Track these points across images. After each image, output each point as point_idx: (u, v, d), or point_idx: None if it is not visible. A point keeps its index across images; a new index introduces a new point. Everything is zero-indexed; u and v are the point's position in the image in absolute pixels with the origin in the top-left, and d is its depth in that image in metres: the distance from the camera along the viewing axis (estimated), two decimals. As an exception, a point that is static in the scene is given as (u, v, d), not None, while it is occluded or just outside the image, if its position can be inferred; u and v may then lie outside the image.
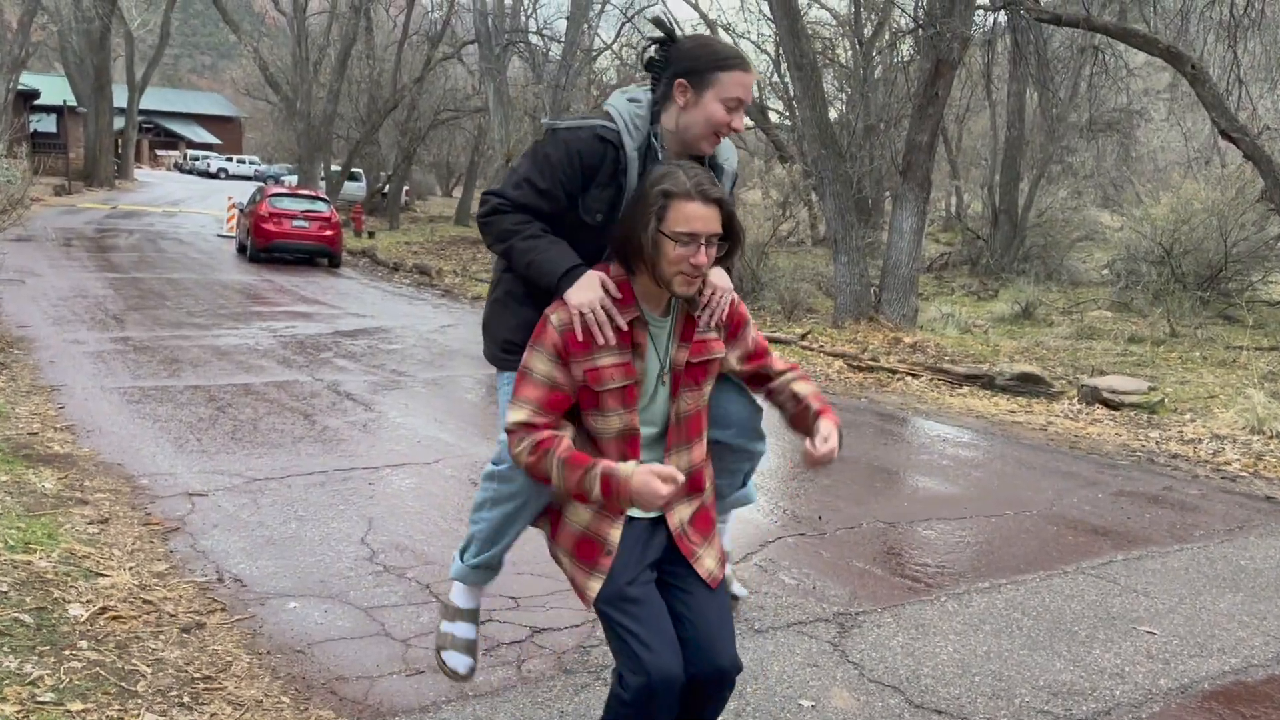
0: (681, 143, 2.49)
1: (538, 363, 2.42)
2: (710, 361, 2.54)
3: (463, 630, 2.85)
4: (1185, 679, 3.75)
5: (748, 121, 31.61)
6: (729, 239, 2.40)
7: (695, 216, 2.30)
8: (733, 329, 2.60)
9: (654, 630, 2.37)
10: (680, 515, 2.55)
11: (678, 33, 2.55)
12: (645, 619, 2.38)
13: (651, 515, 2.52)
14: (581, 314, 2.36)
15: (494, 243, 2.54)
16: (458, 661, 2.83)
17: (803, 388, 2.65)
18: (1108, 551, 5.23)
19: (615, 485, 2.31)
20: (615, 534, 2.45)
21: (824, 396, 2.64)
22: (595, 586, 2.42)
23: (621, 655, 2.38)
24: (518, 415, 2.42)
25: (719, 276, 2.52)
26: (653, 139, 2.47)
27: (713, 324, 2.52)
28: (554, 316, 2.40)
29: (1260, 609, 4.51)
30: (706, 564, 2.54)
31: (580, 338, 2.37)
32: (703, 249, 2.32)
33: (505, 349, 2.63)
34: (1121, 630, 4.17)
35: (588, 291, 2.38)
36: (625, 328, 2.40)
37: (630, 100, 2.51)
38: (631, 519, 2.50)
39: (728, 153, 2.64)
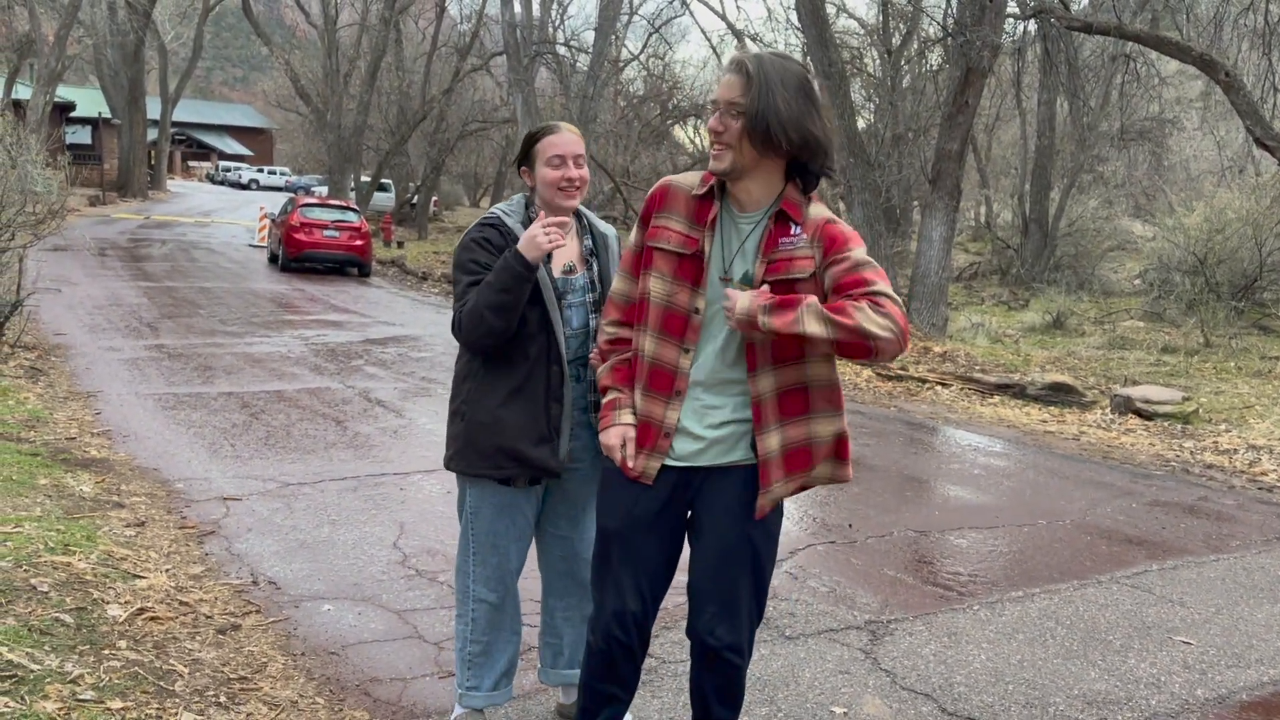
0: (549, 208, 2.93)
1: (635, 232, 2.61)
2: (797, 281, 2.37)
3: None
4: (1223, 689, 3.71)
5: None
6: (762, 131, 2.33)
7: (729, 83, 2.38)
8: (827, 248, 2.38)
9: (629, 572, 2.53)
10: (769, 445, 2.44)
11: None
12: (624, 560, 2.53)
13: (688, 464, 2.49)
14: (546, 232, 2.70)
15: (474, 325, 2.79)
16: None
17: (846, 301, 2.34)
18: (1142, 561, 5.18)
19: (604, 415, 2.59)
20: (673, 415, 2.49)
21: (845, 307, 2.29)
22: (655, 467, 2.50)
23: (594, 584, 2.62)
24: (615, 284, 2.65)
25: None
26: (530, 214, 2.95)
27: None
28: (652, 189, 2.59)
29: (1299, 620, 4.44)
30: (773, 493, 2.46)
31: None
32: (717, 114, 2.40)
33: (498, 454, 2.88)
34: (1157, 640, 4.13)
35: (529, 231, 2.75)
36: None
37: (505, 203, 3.03)
38: (667, 467, 2.51)
39: (603, 225, 3.11)
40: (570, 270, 2.92)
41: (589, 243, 3.01)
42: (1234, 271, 15.63)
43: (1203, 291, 15.23)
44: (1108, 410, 9.38)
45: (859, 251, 2.38)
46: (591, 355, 2.79)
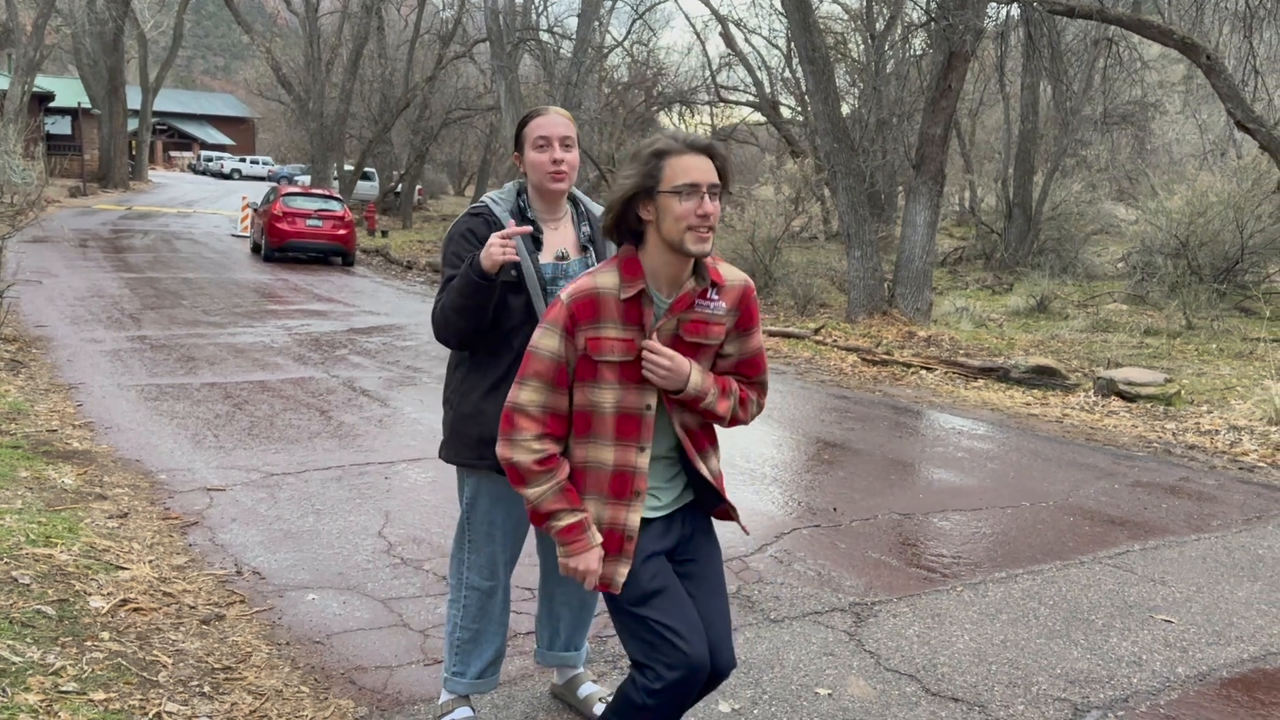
0: (539, 192, 2.91)
1: (544, 339, 2.41)
2: (704, 345, 2.48)
3: (462, 713, 3.05)
4: (1203, 667, 3.74)
5: (759, 117, 31.54)
6: (725, 185, 2.40)
7: (692, 168, 2.30)
8: (742, 319, 2.53)
9: (684, 620, 2.38)
10: (711, 467, 2.57)
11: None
12: (673, 611, 2.39)
13: (665, 513, 2.53)
14: (502, 245, 2.63)
15: (443, 327, 2.80)
16: None
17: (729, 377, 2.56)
18: (1124, 541, 5.21)
19: (574, 540, 2.39)
20: (635, 518, 2.45)
21: (730, 387, 2.51)
22: (624, 571, 2.42)
23: (653, 649, 2.35)
24: (525, 397, 2.41)
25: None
26: (521, 202, 2.92)
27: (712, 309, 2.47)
28: (565, 294, 2.41)
29: (1278, 597, 4.48)
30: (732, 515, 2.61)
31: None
32: (706, 199, 2.31)
33: (485, 444, 2.86)
34: (1139, 619, 4.16)
35: (492, 238, 2.68)
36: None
37: (498, 190, 3.00)
38: (647, 520, 2.50)
39: (592, 206, 3.06)
40: (563, 257, 2.89)
41: (586, 229, 2.97)
42: (1216, 254, 15.72)
43: (1185, 274, 15.32)
44: (1091, 393, 9.43)
45: (759, 328, 2.60)
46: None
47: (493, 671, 3.06)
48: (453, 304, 2.73)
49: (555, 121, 2.84)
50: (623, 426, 2.43)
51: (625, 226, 2.40)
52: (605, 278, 2.40)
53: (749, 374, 2.58)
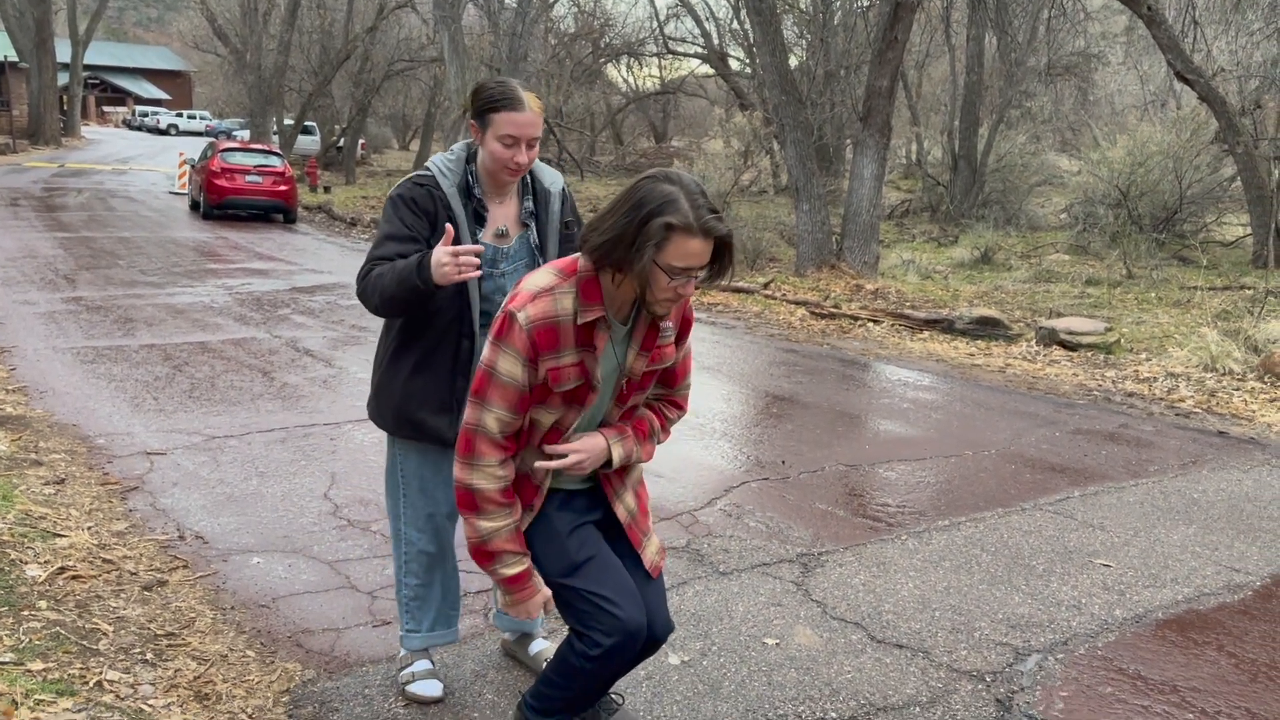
0: (490, 176, 2.78)
1: (505, 364, 2.30)
2: (661, 369, 2.49)
3: (421, 666, 3.03)
4: (1140, 609, 3.84)
5: (708, 70, 31.30)
6: (717, 265, 2.27)
7: (694, 253, 2.18)
8: (681, 332, 2.52)
9: (617, 587, 2.37)
10: (627, 505, 2.54)
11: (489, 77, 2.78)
12: (604, 579, 2.38)
13: (592, 484, 2.52)
14: (458, 267, 2.50)
15: (370, 296, 2.70)
16: (429, 687, 2.98)
17: (645, 413, 2.54)
18: (1065, 488, 5.33)
19: (520, 589, 2.39)
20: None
21: (647, 422, 2.53)
22: (528, 519, 2.43)
23: (589, 618, 2.35)
24: (489, 423, 2.32)
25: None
26: (469, 177, 2.79)
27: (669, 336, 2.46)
28: (520, 314, 2.27)
29: (1212, 540, 4.62)
30: (649, 553, 2.55)
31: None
32: (692, 281, 2.23)
33: (398, 420, 2.85)
34: (1078, 564, 4.26)
35: (439, 254, 2.54)
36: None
37: (447, 153, 2.85)
38: (574, 491, 2.50)
39: (551, 176, 2.92)
40: (503, 235, 2.80)
41: (529, 204, 2.86)
42: (1155, 204, 15.98)
43: (1125, 224, 15.56)
44: (1033, 342, 9.58)
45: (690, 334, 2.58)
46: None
47: (445, 624, 3.05)
48: (386, 290, 2.63)
49: (527, 121, 2.68)
50: (551, 437, 2.41)
51: (609, 261, 2.26)
52: (564, 301, 2.28)
53: (676, 383, 2.57)
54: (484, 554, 2.37)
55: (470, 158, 2.82)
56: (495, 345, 2.31)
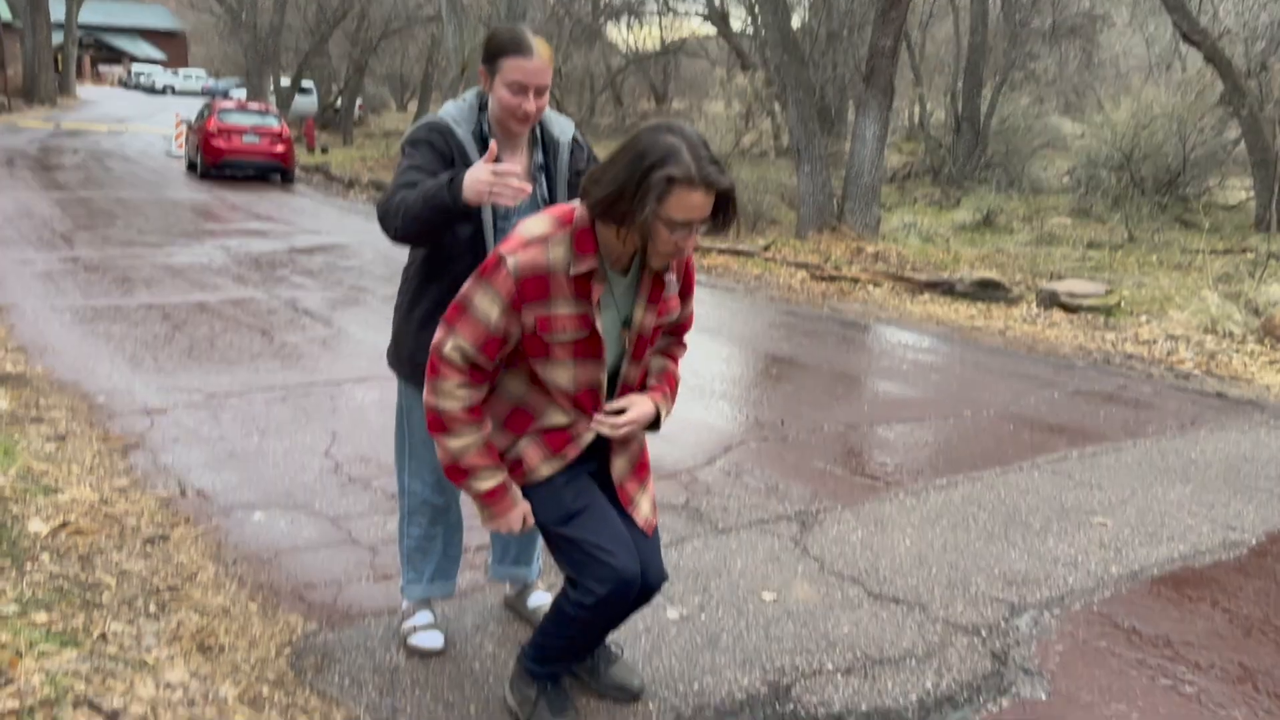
0: (500, 126, 2.72)
1: (483, 301, 2.28)
2: (669, 323, 2.51)
3: (423, 618, 3.05)
4: (1136, 565, 3.87)
5: (709, 29, 30.98)
6: (721, 217, 2.25)
7: (695, 205, 2.16)
8: (685, 286, 2.53)
9: (611, 536, 2.39)
10: (619, 469, 2.55)
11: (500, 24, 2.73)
12: (599, 528, 2.40)
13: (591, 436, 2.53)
14: (491, 189, 2.37)
15: (393, 218, 2.58)
16: (430, 639, 3.00)
17: (658, 363, 2.59)
18: (1063, 448, 5.34)
19: (496, 502, 2.40)
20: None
21: (674, 375, 2.61)
22: (547, 470, 2.44)
23: (584, 566, 2.37)
24: (450, 350, 2.32)
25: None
26: (483, 124, 2.73)
27: (673, 291, 2.46)
28: (510, 259, 2.25)
29: (1208, 499, 4.64)
30: (643, 510, 2.55)
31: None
32: (694, 234, 2.22)
33: (413, 367, 2.77)
34: (1075, 522, 4.28)
35: (480, 172, 2.41)
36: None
37: (460, 99, 2.80)
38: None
39: (562, 125, 2.84)
40: None
41: (539, 157, 2.80)
42: (1158, 167, 15.88)
43: (1128, 187, 15.48)
44: (1033, 305, 9.57)
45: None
46: None
47: (445, 575, 3.07)
48: (411, 209, 2.53)
49: (537, 69, 2.62)
50: (585, 400, 2.42)
51: (609, 212, 2.23)
52: (556, 251, 2.26)
53: (680, 333, 2.63)
54: (458, 471, 2.39)
55: (482, 106, 2.76)
56: (477, 281, 2.31)
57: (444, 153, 2.67)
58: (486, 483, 2.38)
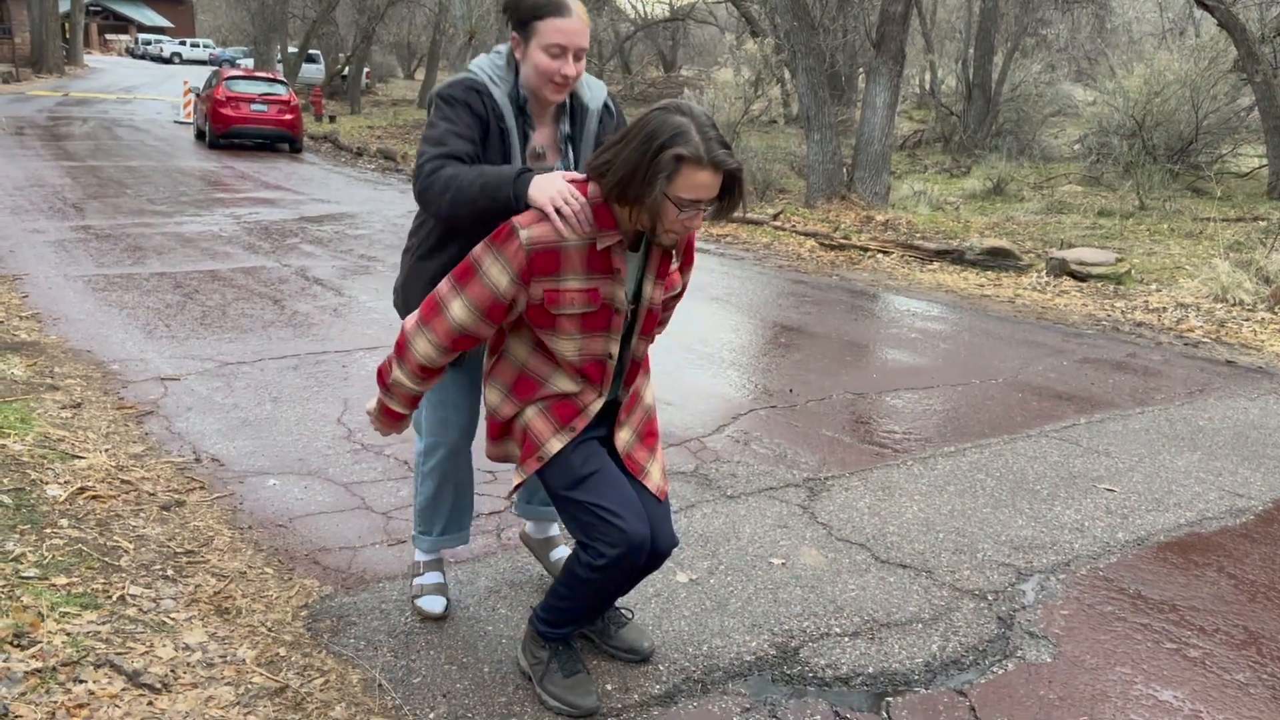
0: (533, 92, 2.60)
1: (493, 269, 2.30)
2: (674, 296, 2.56)
3: (431, 578, 3.09)
4: (1142, 531, 3.90)
5: (718, -4, 30.64)
6: (728, 199, 2.29)
7: (703, 185, 2.19)
8: (686, 259, 2.55)
9: (620, 500, 2.43)
10: (624, 440, 2.58)
11: None
12: (608, 492, 2.43)
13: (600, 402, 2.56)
14: (557, 207, 2.27)
15: (439, 194, 2.45)
16: (432, 604, 3.04)
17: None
18: (1071, 415, 5.36)
19: (388, 419, 2.63)
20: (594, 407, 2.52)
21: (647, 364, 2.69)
22: (557, 445, 2.46)
23: (593, 530, 2.41)
24: (454, 307, 2.36)
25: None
26: (519, 89, 2.61)
27: (677, 264, 2.50)
28: (523, 232, 2.26)
29: (1216, 465, 4.66)
30: (654, 478, 2.59)
31: (561, 229, 2.27)
32: (700, 214, 2.25)
33: None
34: (1082, 488, 4.31)
35: (556, 183, 2.31)
36: (593, 223, 2.31)
37: (492, 54, 2.66)
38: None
39: (594, 89, 2.73)
40: (539, 156, 2.69)
41: (565, 126, 2.71)
42: (1170, 134, 15.75)
43: (1139, 155, 15.37)
44: (1043, 273, 9.55)
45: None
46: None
47: (455, 529, 3.08)
48: (467, 192, 2.41)
49: (576, 29, 2.51)
50: (589, 370, 2.45)
51: (620, 189, 2.25)
52: (569, 228, 2.30)
53: (672, 307, 2.65)
54: (384, 383, 2.56)
55: (517, 71, 2.63)
56: (489, 246, 2.33)
57: (482, 116, 2.55)
58: (395, 406, 2.58)
